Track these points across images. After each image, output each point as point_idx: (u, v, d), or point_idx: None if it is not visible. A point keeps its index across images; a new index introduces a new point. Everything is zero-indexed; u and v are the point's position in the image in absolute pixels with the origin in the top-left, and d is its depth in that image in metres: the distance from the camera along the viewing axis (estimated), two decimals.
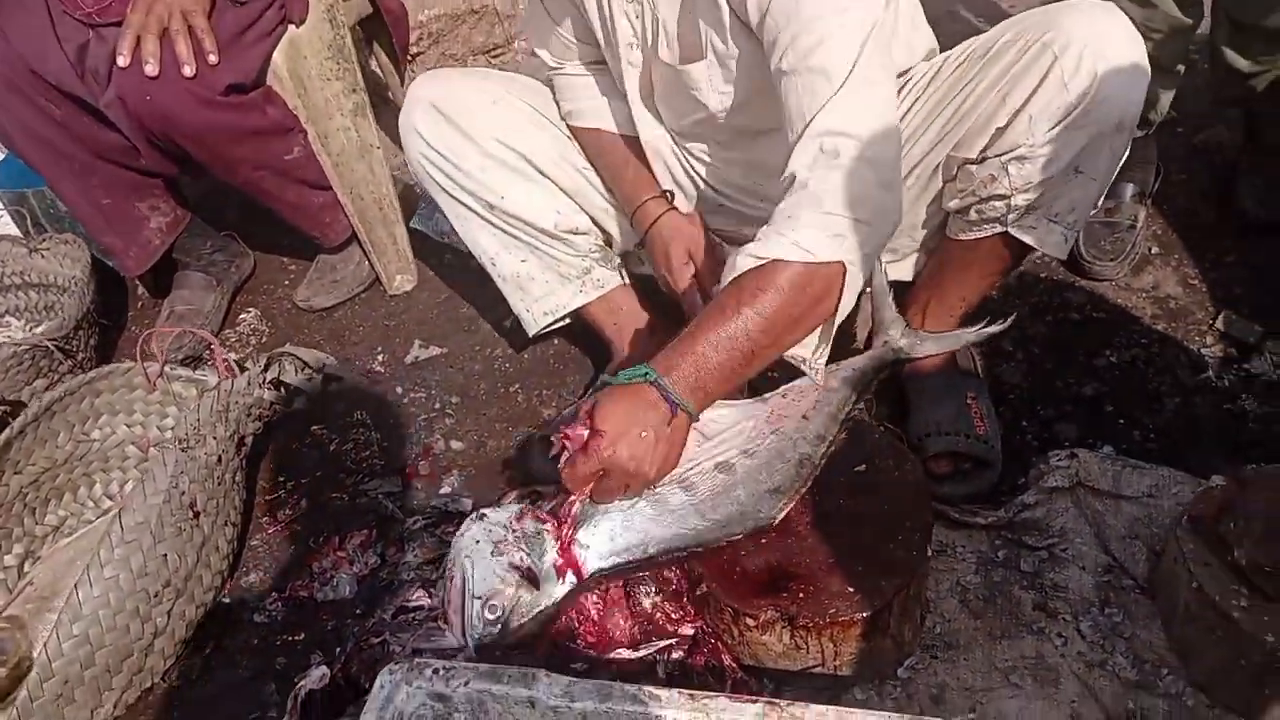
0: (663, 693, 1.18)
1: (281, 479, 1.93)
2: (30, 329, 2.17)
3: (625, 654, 1.44)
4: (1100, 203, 2.05)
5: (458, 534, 1.28)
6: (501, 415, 1.99)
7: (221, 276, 2.31)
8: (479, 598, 1.26)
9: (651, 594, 1.49)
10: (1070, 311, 1.99)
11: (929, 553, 1.47)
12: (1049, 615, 1.51)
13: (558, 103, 1.76)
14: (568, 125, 1.76)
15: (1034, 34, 1.43)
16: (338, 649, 1.60)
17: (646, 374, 1.29)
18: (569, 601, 1.33)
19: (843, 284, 1.34)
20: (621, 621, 1.48)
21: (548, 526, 1.34)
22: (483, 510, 1.33)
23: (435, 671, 1.22)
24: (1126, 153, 1.52)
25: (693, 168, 1.73)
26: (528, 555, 1.29)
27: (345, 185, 2.12)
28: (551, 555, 1.31)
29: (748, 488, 1.40)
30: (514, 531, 1.33)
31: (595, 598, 1.49)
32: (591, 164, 1.77)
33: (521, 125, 1.72)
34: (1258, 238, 2.04)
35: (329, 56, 2.02)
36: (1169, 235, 2.12)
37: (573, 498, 1.33)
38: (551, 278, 1.79)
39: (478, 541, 1.29)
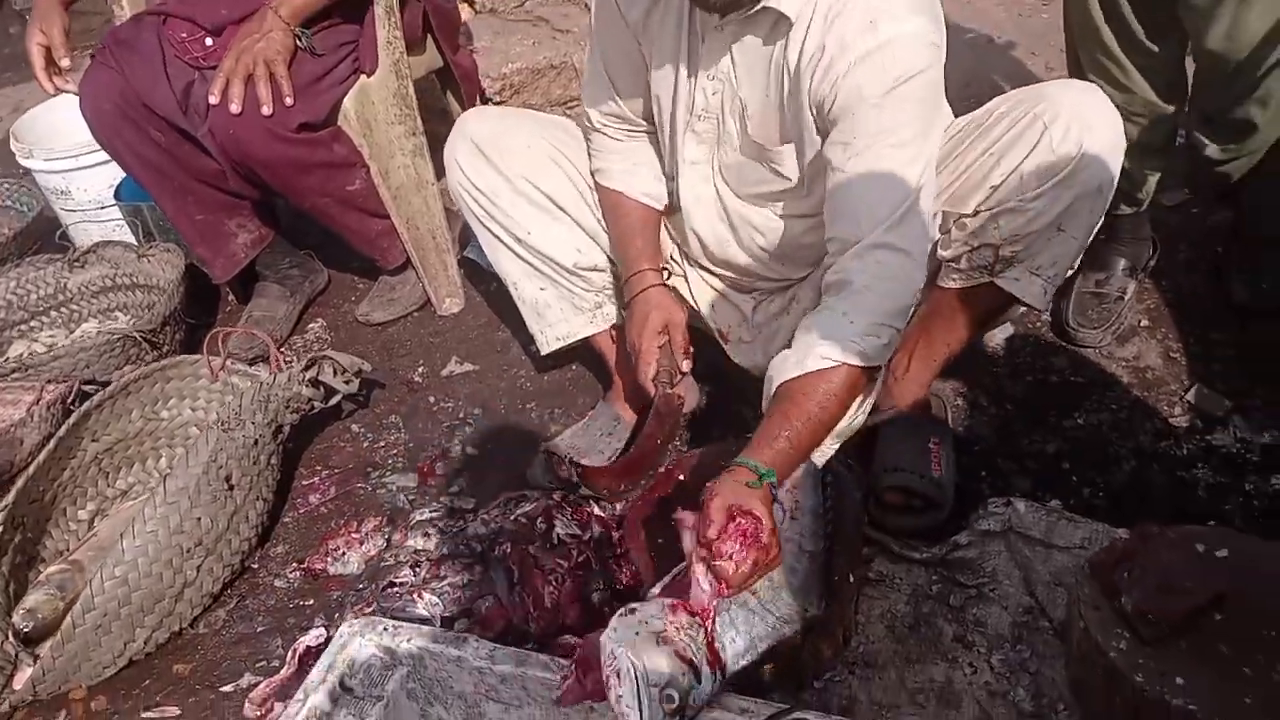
0: (565, 661, 1.36)
1: (318, 468, 2.19)
2: (131, 323, 2.50)
3: (571, 639, 1.62)
4: (1092, 274, 2.17)
5: (610, 629, 1.24)
6: (515, 429, 2.21)
7: (296, 289, 2.62)
8: (655, 686, 1.20)
9: (601, 589, 1.69)
10: (1050, 374, 2.10)
11: (850, 580, 1.62)
12: (965, 646, 1.63)
13: (589, 156, 1.92)
14: (593, 180, 1.92)
15: (1026, 107, 1.60)
16: (337, 615, 1.84)
17: (766, 475, 1.35)
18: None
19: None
20: (571, 611, 1.67)
21: (697, 620, 1.30)
22: (631, 605, 1.29)
23: (385, 629, 1.44)
24: (1102, 217, 1.67)
25: (732, 224, 1.80)
26: (689, 645, 1.26)
27: (402, 215, 2.40)
28: (703, 650, 1.28)
29: (790, 586, 1.46)
30: (671, 623, 1.28)
31: (551, 588, 1.69)
32: (605, 220, 1.92)
33: (551, 167, 1.90)
34: (1245, 319, 2.11)
35: (394, 103, 2.31)
36: (1160, 309, 2.21)
37: (724, 593, 1.31)
38: (566, 307, 2.00)
39: (637, 634, 1.24)
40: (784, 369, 1.48)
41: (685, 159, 1.76)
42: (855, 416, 1.71)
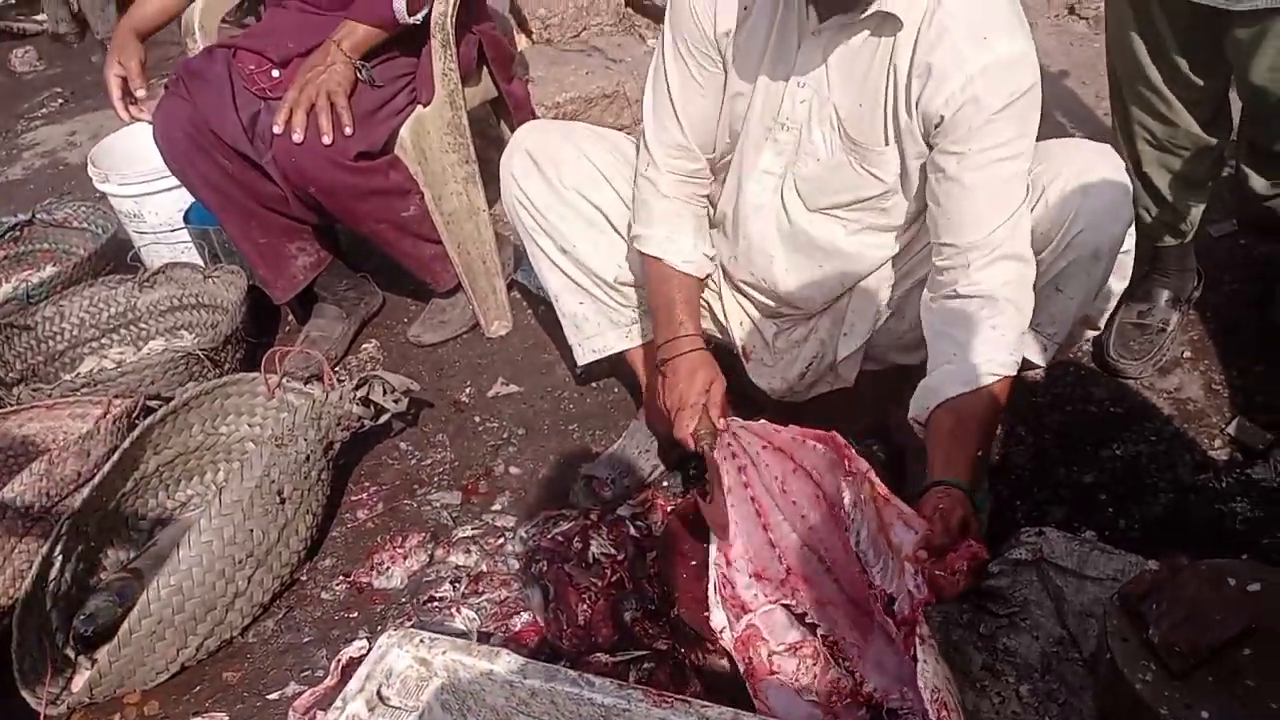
0: (596, 680, 1.40)
1: (366, 484, 2.26)
2: (195, 341, 2.61)
3: (603, 658, 1.68)
4: (1135, 305, 2.17)
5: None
6: (557, 449, 2.26)
7: (351, 310, 2.71)
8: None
9: (633, 609, 1.73)
10: (1090, 404, 2.10)
11: None
12: (994, 675, 1.64)
13: (633, 216, 1.88)
14: (633, 243, 1.88)
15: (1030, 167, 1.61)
16: (379, 628, 1.90)
17: (981, 505, 1.52)
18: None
19: None
20: (604, 629, 1.71)
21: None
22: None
23: (422, 641, 1.49)
24: (1108, 278, 1.68)
25: (789, 235, 1.79)
26: None
27: (454, 240, 2.47)
28: None
29: None
30: None
31: (585, 606, 1.73)
32: (645, 283, 1.93)
33: (602, 182, 1.93)
34: None
35: (448, 132, 2.39)
36: (1204, 341, 2.20)
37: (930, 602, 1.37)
38: (604, 321, 2.04)
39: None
40: (948, 385, 1.53)
41: (758, 168, 1.74)
42: None
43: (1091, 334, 1.90)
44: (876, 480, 1.45)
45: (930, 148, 1.58)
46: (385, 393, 2.13)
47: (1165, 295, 2.16)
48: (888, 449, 2.05)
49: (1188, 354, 2.17)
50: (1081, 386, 2.14)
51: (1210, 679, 1.42)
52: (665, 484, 2.08)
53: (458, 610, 1.76)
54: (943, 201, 1.57)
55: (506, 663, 1.44)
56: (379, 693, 1.48)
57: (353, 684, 1.47)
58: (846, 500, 1.55)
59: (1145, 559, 1.72)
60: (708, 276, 1.88)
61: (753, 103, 1.69)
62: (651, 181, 1.82)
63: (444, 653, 1.47)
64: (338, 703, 1.44)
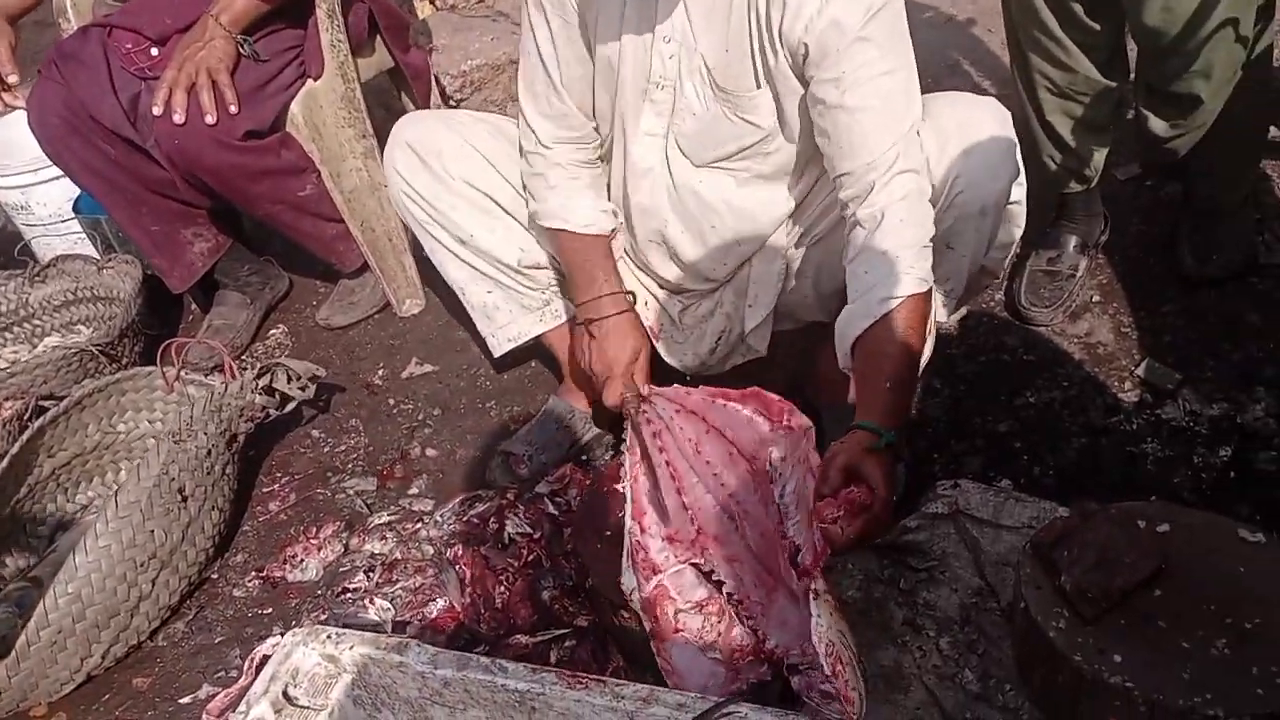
0: (510, 665, 1.37)
1: (277, 474, 2.19)
2: (92, 336, 2.50)
3: (523, 639, 1.64)
4: (1044, 252, 2.17)
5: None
6: (475, 428, 2.21)
7: (255, 296, 2.62)
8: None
9: (551, 588, 1.69)
10: (1003, 354, 2.10)
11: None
12: (914, 630, 1.63)
13: (526, 199, 1.84)
14: (534, 223, 1.85)
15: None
16: (295, 623, 1.84)
17: (886, 437, 1.38)
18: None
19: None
20: (523, 610, 1.68)
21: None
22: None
23: (328, 636, 1.44)
24: (997, 232, 1.65)
25: (679, 198, 1.75)
26: None
27: (356, 218, 2.40)
28: None
29: None
30: None
31: (502, 588, 1.69)
32: (558, 257, 1.88)
33: (487, 167, 1.87)
34: (1194, 290, 2.11)
35: (342, 106, 2.30)
36: (1112, 284, 2.21)
37: (824, 555, 1.36)
38: (515, 308, 2.00)
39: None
40: (853, 323, 1.49)
41: (641, 131, 1.70)
42: (929, 338, 1.71)
43: (991, 282, 1.89)
44: (813, 436, 1.44)
45: (806, 84, 1.54)
46: (290, 380, 2.06)
47: (1073, 241, 2.16)
48: (806, 409, 2.03)
49: (1097, 298, 2.18)
50: (994, 336, 2.14)
51: (1122, 622, 1.43)
52: (584, 458, 2.05)
53: (371, 601, 1.72)
54: (831, 132, 1.53)
55: (417, 654, 1.40)
56: (285, 693, 1.43)
57: (257, 685, 1.41)
58: (774, 455, 1.52)
59: (1059, 505, 1.73)
60: (614, 233, 1.83)
61: (622, 64, 1.65)
62: (539, 155, 1.78)
63: (351, 648, 1.42)
64: (241, 706, 1.39)
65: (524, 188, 1.84)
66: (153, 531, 1.81)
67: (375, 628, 1.68)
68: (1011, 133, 1.59)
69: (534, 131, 1.77)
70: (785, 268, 1.79)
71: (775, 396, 1.53)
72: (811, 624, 1.27)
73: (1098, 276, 2.23)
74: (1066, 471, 1.86)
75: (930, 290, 1.52)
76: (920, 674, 1.58)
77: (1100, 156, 2.07)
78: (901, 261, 1.47)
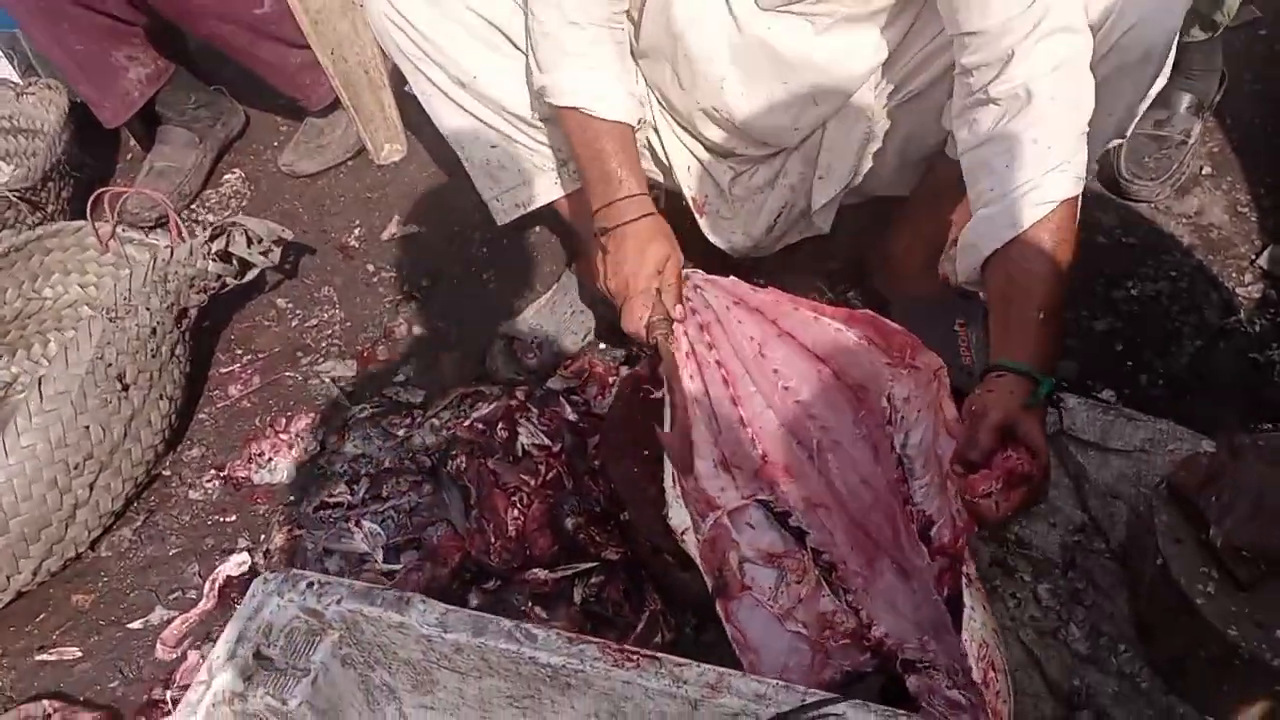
0: (539, 632, 1.09)
1: (238, 352, 1.87)
2: (6, 179, 2.11)
3: (541, 574, 1.37)
4: (1151, 113, 1.82)
5: None
6: (470, 303, 1.89)
7: (205, 134, 2.22)
8: None
9: (575, 513, 1.41)
10: (1097, 234, 1.79)
11: None
12: (1006, 572, 1.39)
13: (532, 64, 1.44)
14: (546, 102, 1.45)
15: None
16: (263, 535, 1.56)
17: (1045, 386, 1.14)
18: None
19: None
20: (541, 540, 1.40)
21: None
22: None
23: (310, 585, 1.15)
24: (1152, 89, 1.32)
25: (742, 48, 1.39)
26: None
27: (325, 45, 1.98)
28: None
29: None
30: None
31: (515, 512, 1.41)
32: (568, 139, 1.49)
33: None
34: None
35: None
36: (1225, 153, 1.89)
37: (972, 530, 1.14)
38: (525, 167, 1.63)
39: None
40: (992, 232, 1.20)
41: None
42: None
43: (1116, 143, 1.57)
44: (945, 379, 1.17)
45: None
46: (250, 243, 1.72)
47: (1186, 100, 1.82)
48: (867, 296, 1.73)
49: (1208, 170, 1.86)
50: (1087, 213, 1.76)
51: None
52: (603, 346, 1.73)
53: (358, 523, 1.43)
54: None
55: (421, 613, 1.12)
56: (258, 653, 1.15)
57: (219, 648, 1.13)
58: (896, 392, 1.24)
59: (1179, 425, 1.47)
60: (640, 123, 1.45)
61: None
62: (552, 5, 1.36)
63: (339, 602, 1.14)
64: (201, 675, 1.11)
65: (529, 41, 1.43)
66: (88, 428, 1.49)
67: (363, 559, 1.40)
68: None
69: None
70: (868, 132, 1.44)
71: (896, 326, 1.23)
72: (964, 618, 0.99)
73: (1208, 143, 1.90)
74: (1178, 380, 1.58)
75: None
76: (1015, 627, 1.34)
77: None
78: (1054, 153, 1.16)
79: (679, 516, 1.26)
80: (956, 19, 1.20)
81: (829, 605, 1.25)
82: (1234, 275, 1.69)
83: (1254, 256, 1.71)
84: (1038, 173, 1.16)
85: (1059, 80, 1.16)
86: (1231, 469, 1.25)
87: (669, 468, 1.30)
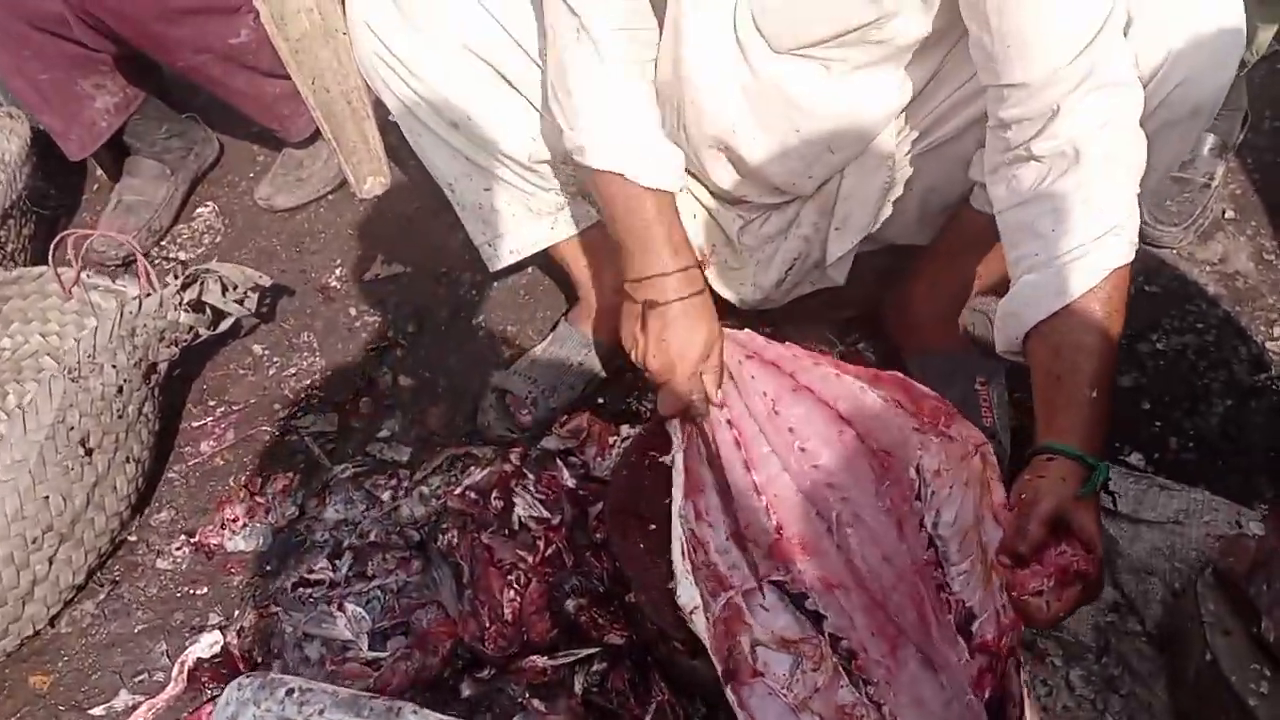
0: None
1: (211, 404, 1.76)
2: None
3: (540, 661, 1.27)
4: None
5: None
6: (459, 351, 1.78)
7: (177, 165, 2.10)
8: None
9: (577, 594, 1.31)
10: None
11: None
12: (1036, 658, 1.29)
13: (564, 125, 1.30)
14: (574, 164, 1.34)
15: None
16: (237, 611, 1.45)
17: (1100, 473, 1.05)
18: None
19: None
20: (539, 624, 1.30)
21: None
22: None
23: (289, 692, 1.05)
24: (1195, 141, 1.24)
25: (755, 91, 1.29)
26: None
27: (306, 75, 1.88)
28: None
29: None
30: None
31: (512, 593, 1.31)
32: (604, 217, 1.38)
33: (493, 24, 1.36)
34: None
35: None
36: (1248, 196, 1.81)
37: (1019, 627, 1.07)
38: (519, 211, 1.53)
39: None
40: (1039, 300, 1.11)
41: (695, 3, 1.23)
42: None
43: None
44: (991, 457, 1.08)
45: None
46: (224, 291, 1.61)
47: (1210, 142, 1.74)
48: (881, 348, 1.64)
49: (1231, 214, 1.78)
50: None
51: None
52: (601, 401, 1.64)
53: (340, 606, 1.32)
54: (995, 21, 1.07)
55: None
56: None
57: None
58: (925, 462, 1.15)
59: (1209, 491, 1.39)
60: (681, 190, 1.33)
61: None
62: (588, 41, 1.22)
63: (320, 713, 1.04)
64: None
65: (552, 94, 1.31)
66: (47, 498, 1.39)
67: (346, 645, 1.29)
68: (1241, 13, 1.14)
69: (585, 9, 1.22)
70: (889, 181, 1.35)
71: (927, 390, 1.14)
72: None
73: (1230, 185, 1.83)
74: (1208, 443, 1.50)
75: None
76: (1048, 719, 1.25)
77: (1268, 35, 1.64)
78: (1106, 217, 1.07)
79: (688, 594, 1.17)
80: (995, 69, 1.11)
81: (848, 697, 1.15)
82: (1262, 329, 1.62)
83: None
84: (1088, 238, 1.07)
85: (1110, 137, 1.07)
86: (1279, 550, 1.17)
87: (678, 539, 1.21)
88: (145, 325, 1.51)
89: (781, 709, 1.14)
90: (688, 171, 1.45)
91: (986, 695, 1.06)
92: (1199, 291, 1.68)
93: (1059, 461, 1.04)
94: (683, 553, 1.20)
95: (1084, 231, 1.08)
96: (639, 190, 1.26)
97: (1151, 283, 1.70)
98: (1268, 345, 1.60)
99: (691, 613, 1.15)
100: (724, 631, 1.21)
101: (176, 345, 1.57)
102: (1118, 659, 1.29)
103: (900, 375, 1.19)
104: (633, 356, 1.30)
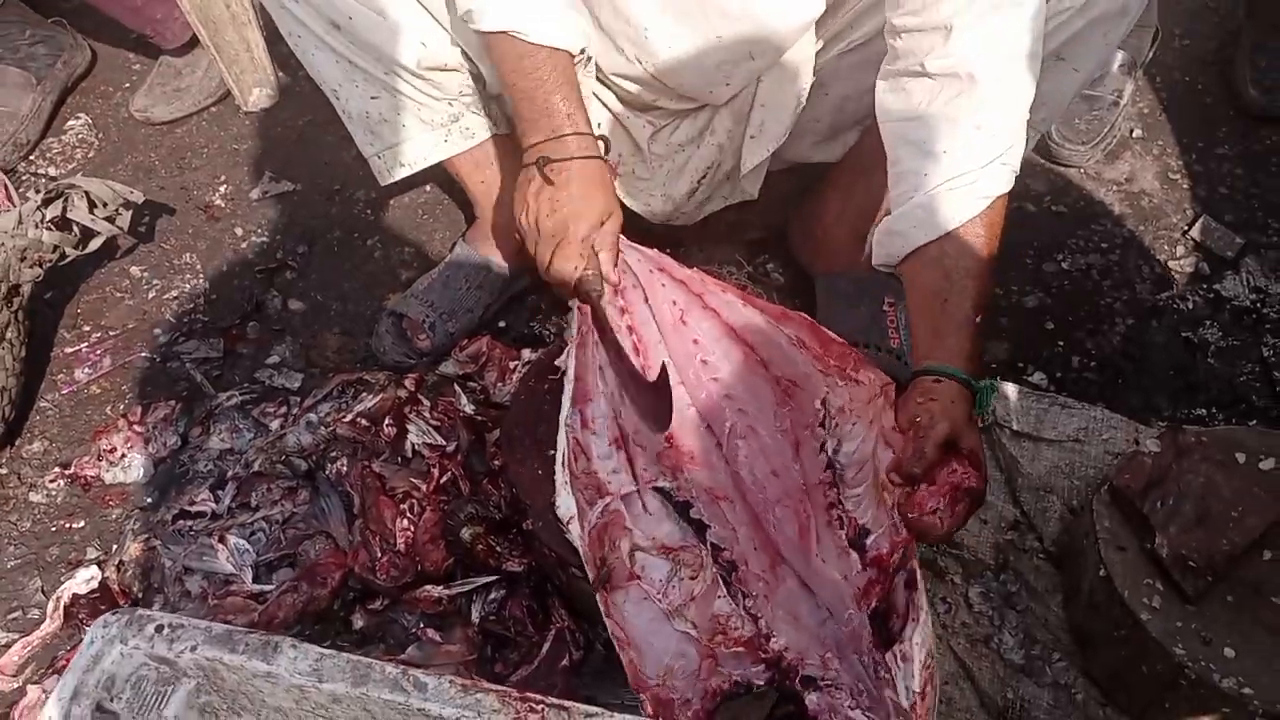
0: (429, 680, 0.96)
1: (85, 328, 1.65)
2: None
3: (434, 591, 1.23)
4: None
5: None
6: (354, 273, 1.70)
7: (44, 74, 1.95)
8: None
9: (473, 522, 1.27)
10: (1027, 202, 1.70)
11: None
12: (936, 575, 1.30)
13: None
14: (470, 27, 1.24)
15: None
16: (115, 545, 1.38)
17: (985, 394, 1.06)
18: None
19: None
20: (434, 553, 1.25)
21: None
22: None
23: (159, 629, 0.99)
24: (1116, 47, 1.22)
25: None
26: None
27: None
28: None
29: None
30: None
31: (405, 522, 1.26)
32: (496, 70, 1.29)
33: None
34: (1257, 127, 1.74)
35: None
36: (1156, 114, 1.81)
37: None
38: (410, 122, 1.44)
39: None
40: (928, 222, 1.11)
41: None
42: None
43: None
44: (892, 394, 1.08)
45: None
46: (92, 208, 1.50)
47: (1120, 59, 1.72)
48: (789, 271, 1.61)
49: (1139, 133, 1.78)
50: (1018, 181, 1.71)
51: (1230, 599, 1.12)
52: (502, 325, 1.58)
53: (222, 538, 1.25)
54: None
55: (291, 660, 0.97)
56: (100, 707, 0.99)
57: (52, 707, 0.97)
58: (831, 400, 1.13)
59: (1109, 409, 1.39)
60: (583, 53, 1.25)
61: None
62: None
63: (193, 649, 0.98)
64: None
65: None
66: None
67: (228, 579, 1.23)
68: None
69: None
70: (805, 87, 1.31)
71: (834, 336, 1.11)
72: (911, 628, 0.95)
73: (1138, 104, 1.82)
74: (1111, 363, 1.50)
75: None
76: (947, 635, 1.26)
77: None
78: (997, 143, 1.08)
79: (565, 504, 1.12)
80: None
81: (725, 608, 1.13)
82: (1166, 248, 1.62)
83: (1186, 228, 1.64)
84: (977, 164, 1.08)
85: (1005, 65, 1.07)
86: (1176, 471, 1.18)
87: (561, 449, 1.16)
88: (5, 244, 1.40)
89: (654, 614, 1.12)
90: (597, 79, 1.38)
91: (871, 606, 1.05)
92: (1104, 211, 1.68)
93: (946, 384, 1.04)
94: (563, 462, 1.15)
95: (975, 157, 1.07)
96: (533, 48, 1.18)
97: (1058, 202, 1.69)
98: (1170, 264, 1.61)
99: (569, 522, 1.10)
100: (598, 539, 1.16)
101: (41, 266, 1.46)
102: (1015, 576, 1.29)
103: (808, 317, 1.16)
104: (522, 221, 1.21)
